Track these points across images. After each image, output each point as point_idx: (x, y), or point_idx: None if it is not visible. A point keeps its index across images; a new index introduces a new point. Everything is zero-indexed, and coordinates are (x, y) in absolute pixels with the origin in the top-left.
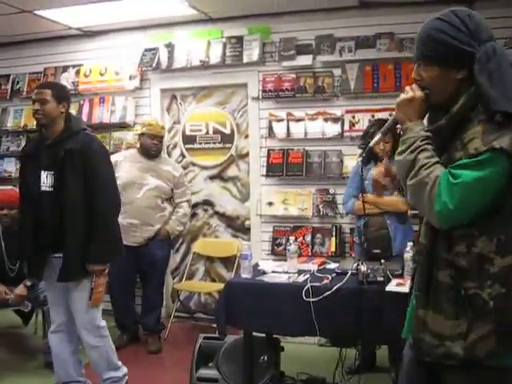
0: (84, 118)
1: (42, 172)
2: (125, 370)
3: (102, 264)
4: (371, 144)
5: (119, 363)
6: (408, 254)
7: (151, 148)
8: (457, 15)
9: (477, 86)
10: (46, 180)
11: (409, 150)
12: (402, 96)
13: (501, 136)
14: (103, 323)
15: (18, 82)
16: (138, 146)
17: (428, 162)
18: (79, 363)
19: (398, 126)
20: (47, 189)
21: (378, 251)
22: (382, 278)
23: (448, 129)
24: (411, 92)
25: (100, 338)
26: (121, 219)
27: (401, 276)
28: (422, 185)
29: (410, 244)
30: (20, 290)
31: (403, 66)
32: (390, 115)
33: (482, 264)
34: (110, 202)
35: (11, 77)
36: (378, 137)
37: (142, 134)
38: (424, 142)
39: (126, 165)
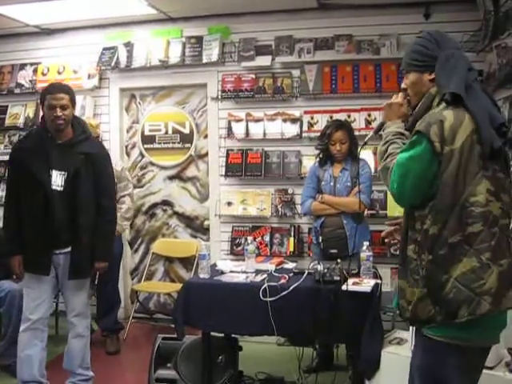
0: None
1: (53, 172)
2: (92, 373)
3: (108, 261)
4: (366, 140)
5: (89, 364)
6: (364, 254)
7: None
8: (429, 33)
9: (436, 82)
10: (56, 179)
11: (383, 142)
12: (387, 102)
13: (423, 121)
14: (89, 316)
15: None
16: None
17: (394, 151)
18: (43, 363)
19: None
20: (58, 188)
21: (334, 251)
22: (338, 278)
23: (411, 126)
24: (393, 98)
25: (87, 329)
26: None
27: (357, 275)
28: (386, 170)
29: (366, 243)
30: None
31: (361, 68)
32: (349, 116)
33: (425, 236)
34: (113, 201)
35: None
36: (370, 135)
37: None
38: (395, 137)
39: None
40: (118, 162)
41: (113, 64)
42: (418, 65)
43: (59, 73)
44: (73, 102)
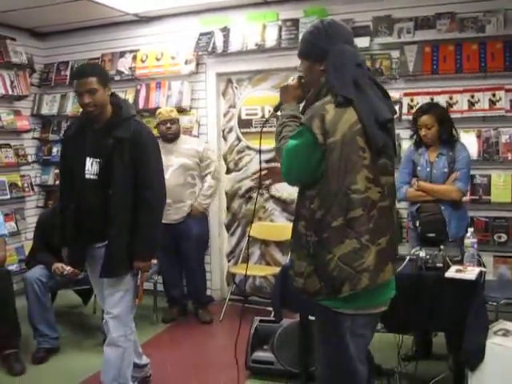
0: (141, 102)
1: (88, 159)
2: None
3: (150, 260)
4: (268, 117)
5: (130, 383)
6: (468, 240)
7: (167, 132)
8: (322, 22)
9: (326, 75)
10: (90, 167)
11: (279, 124)
12: (283, 84)
13: (308, 113)
14: (133, 326)
15: None
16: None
17: (287, 134)
18: (136, 343)
19: None
20: (91, 177)
21: (432, 235)
22: (441, 264)
23: (304, 110)
24: (290, 80)
25: (125, 339)
26: None
27: (460, 262)
28: (280, 151)
29: (470, 230)
30: None
31: (464, 47)
32: (450, 98)
33: (313, 217)
34: (158, 195)
35: (70, 63)
36: (270, 113)
37: (157, 124)
38: (289, 120)
39: None
40: (202, 143)
41: (209, 49)
42: (309, 55)
43: (157, 59)
44: (103, 82)
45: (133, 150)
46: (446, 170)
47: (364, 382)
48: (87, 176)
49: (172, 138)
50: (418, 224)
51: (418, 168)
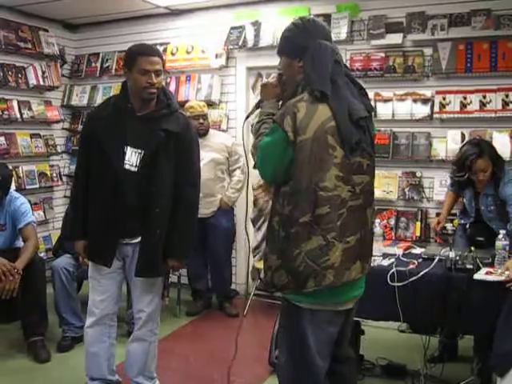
0: None
1: (128, 148)
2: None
3: (184, 259)
4: (249, 113)
5: (155, 375)
6: (500, 243)
7: (199, 127)
8: (302, 19)
9: (304, 70)
10: (130, 158)
11: (257, 121)
12: (263, 81)
13: (280, 111)
14: (158, 320)
15: (107, 60)
16: None
17: (264, 131)
18: (112, 359)
19: None
20: (131, 168)
21: (481, 238)
22: (471, 266)
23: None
24: (270, 78)
25: (151, 333)
26: None
27: (491, 265)
28: (257, 147)
29: (502, 232)
30: None
31: (500, 45)
32: (484, 97)
33: (283, 212)
34: (197, 193)
35: (100, 55)
36: (250, 110)
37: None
38: (267, 117)
39: None
40: (230, 139)
41: (240, 43)
42: (288, 52)
43: (188, 52)
44: (164, 68)
45: (179, 144)
46: (492, 207)
47: (321, 376)
48: (126, 167)
49: (203, 132)
50: (468, 227)
51: (465, 200)
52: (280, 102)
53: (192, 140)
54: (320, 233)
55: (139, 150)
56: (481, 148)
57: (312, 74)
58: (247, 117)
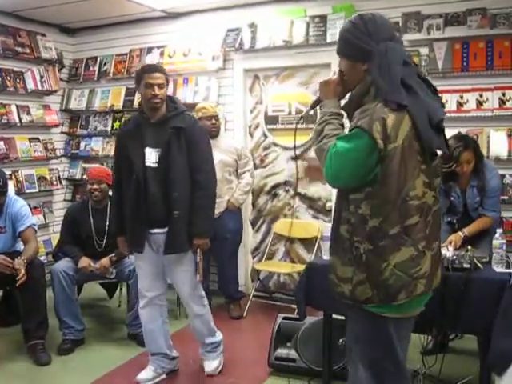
0: None
1: (147, 149)
2: (220, 334)
3: (207, 237)
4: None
5: (216, 329)
6: (497, 241)
7: (211, 128)
8: (362, 18)
9: (371, 76)
10: (150, 156)
11: (319, 121)
12: (323, 79)
13: (364, 117)
14: (203, 293)
15: (104, 64)
16: None
17: (330, 133)
18: (168, 335)
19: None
20: (151, 165)
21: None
22: (468, 265)
23: (348, 108)
24: (331, 76)
25: (203, 307)
26: None
27: (488, 264)
28: (322, 151)
29: (499, 230)
30: (104, 261)
31: (496, 44)
32: (481, 95)
33: (362, 223)
34: (210, 176)
35: (98, 59)
36: (306, 110)
37: (199, 119)
38: (331, 117)
39: None
40: (239, 141)
41: (237, 45)
42: (349, 55)
43: (185, 55)
44: (167, 81)
45: (188, 137)
46: (478, 198)
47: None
48: (147, 164)
49: (215, 133)
50: (454, 223)
51: (452, 199)
52: (341, 102)
53: (198, 133)
54: (411, 243)
55: (156, 149)
56: (466, 141)
57: (381, 81)
58: (301, 117)
